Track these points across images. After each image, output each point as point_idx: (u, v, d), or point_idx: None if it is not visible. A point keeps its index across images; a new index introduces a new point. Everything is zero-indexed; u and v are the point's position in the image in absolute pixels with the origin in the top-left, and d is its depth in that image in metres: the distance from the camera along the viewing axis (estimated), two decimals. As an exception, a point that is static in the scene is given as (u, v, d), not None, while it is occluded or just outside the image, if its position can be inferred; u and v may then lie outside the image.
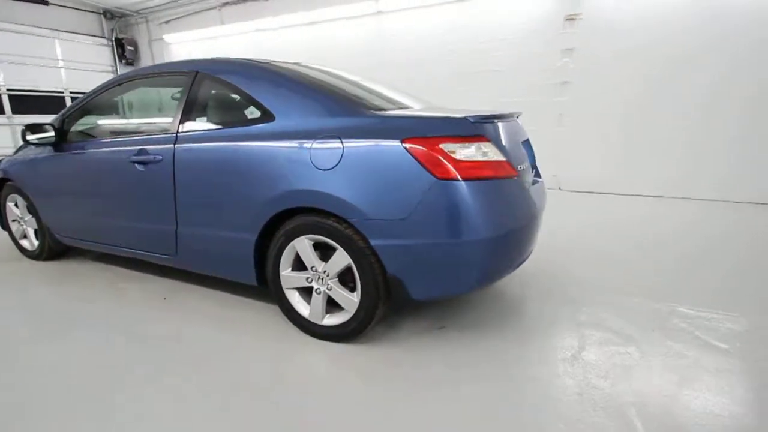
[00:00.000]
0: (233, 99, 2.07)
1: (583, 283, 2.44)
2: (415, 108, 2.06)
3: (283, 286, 1.90)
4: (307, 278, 1.84)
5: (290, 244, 1.82)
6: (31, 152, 2.71)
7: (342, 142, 1.65)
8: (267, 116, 1.85)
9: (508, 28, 5.29)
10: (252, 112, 1.94)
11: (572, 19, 4.92)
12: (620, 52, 4.77)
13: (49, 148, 2.57)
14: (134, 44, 8.17)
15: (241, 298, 2.30)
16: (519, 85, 5.33)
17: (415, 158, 1.54)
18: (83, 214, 2.52)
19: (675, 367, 1.64)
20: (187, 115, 2.08)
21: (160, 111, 2.65)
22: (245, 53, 7.19)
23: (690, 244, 3.23)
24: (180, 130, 2.07)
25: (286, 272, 1.88)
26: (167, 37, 7.88)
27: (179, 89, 2.17)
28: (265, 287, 2.00)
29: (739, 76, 4.35)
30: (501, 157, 1.64)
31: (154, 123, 2.65)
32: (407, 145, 1.55)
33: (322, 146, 1.68)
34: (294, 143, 1.75)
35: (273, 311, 2.12)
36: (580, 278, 2.51)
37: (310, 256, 1.80)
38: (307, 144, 1.72)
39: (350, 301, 1.75)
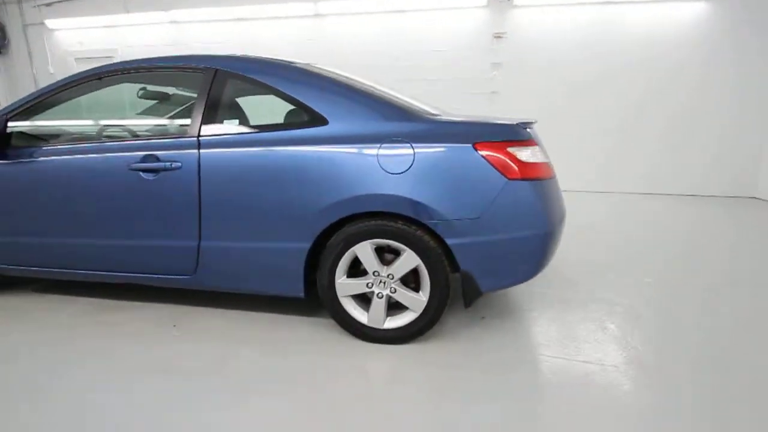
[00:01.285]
0: (270, 101, 1.92)
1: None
2: (454, 114, 2.15)
3: (339, 294, 1.84)
4: (368, 283, 1.82)
5: (350, 250, 1.78)
6: None
7: (413, 147, 1.69)
8: (318, 120, 1.78)
9: (444, 42, 5.72)
10: (292, 116, 1.84)
11: (499, 36, 5.54)
12: (543, 66, 5.52)
13: None
14: (1, 29, 6.64)
15: (260, 313, 2.13)
16: (454, 94, 5.78)
17: (488, 161, 1.66)
18: (46, 235, 2.05)
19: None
20: (209, 116, 1.87)
21: (158, 111, 2.27)
22: (157, 46, 6.43)
23: (613, 228, 3.95)
24: (202, 134, 1.85)
25: (342, 280, 1.83)
26: (50, 23, 6.60)
27: (180, 87, 1.94)
28: (309, 299, 1.91)
29: (655, 88, 5.38)
30: (546, 159, 1.86)
31: (158, 125, 2.26)
32: (482, 151, 1.66)
33: (391, 150, 1.70)
34: (355, 148, 1.72)
35: (302, 323, 2.03)
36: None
37: (372, 261, 1.78)
38: (372, 148, 1.71)
39: (417, 301, 1.79)
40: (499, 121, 1.82)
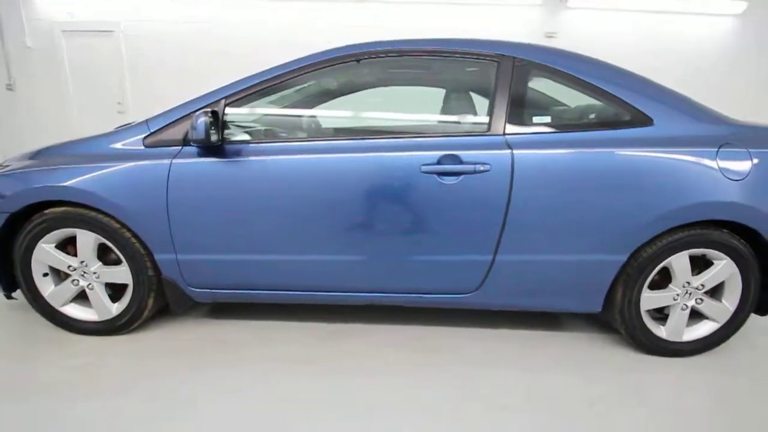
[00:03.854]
0: (579, 96, 1.71)
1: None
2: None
3: (643, 308, 1.72)
4: (675, 296, 1.72)
5: (664, 262, 1.66)
6: (129, 160, 1.63)
7: (749, 151, 1.61)
8: (642, 121, 1.63)
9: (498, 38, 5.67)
10: (603, 115, 1.67)
11: (551, 36, 5.61)
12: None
13: (189, 152, 1.61)
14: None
15: (503, 329, 1.94)
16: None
17: None
18: (283, 252, 1.66)
19: None
20: (515, 112, 1.62)
21: (429, 104, 1.88)
22: (178, 23, 5.64)
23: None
24: (508, 132, 1.61)
25: (646, 293, 1.71)
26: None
27: (458, 76, 1.67)
28: (601, 313, 1.77)
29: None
30: None
31: (441, 120, 1.84)
32: None
33: (731, 155, 1.59)
34: (689, 151, 1.60)
35: (552, 338, 1.90)
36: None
37: (687, 272, 1.68)
38: (709, 153, 1.60)
39: (724, 310, 1.73)
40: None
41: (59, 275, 1.82)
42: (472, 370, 1.67)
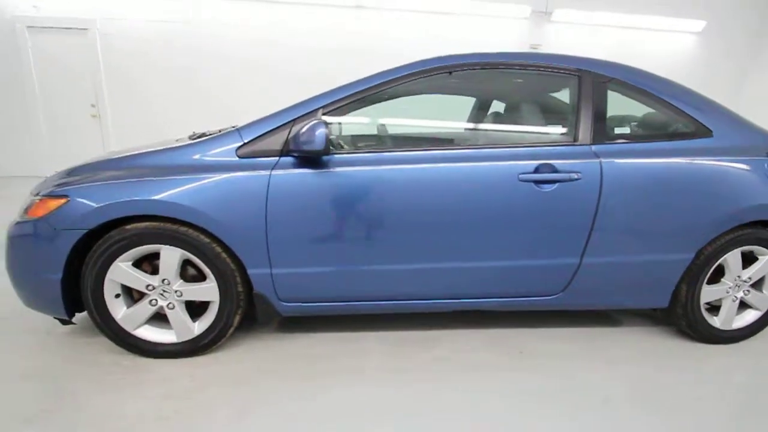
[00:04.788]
0: (647, 109, 1.85)
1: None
2: None
3: (702, 300, 1.90)
4: (728, 288, 1.91)
5: (721, 258, 1.85)
6: (223, 171, 1.56)
7: (789, 158, 1.84)
8: (702, 132, 1.81)
9: (486, 48, 5.91)
10: (671, 126, 1.83)
11: (536, 47, 5.95)
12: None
13: (287, 163, 1.58)
14: None
15: (583, 328, 2.07)
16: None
17: None
18: (380, 262, 1.66)
19: None
20: (597, 123, 1.74)
21: (507, 115, 1.91)
22: (171, 22, 5.33)
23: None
24: (594, 142, 1.72)
25: (705, 287, 1.89)
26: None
27: (538, 88, 1.76)
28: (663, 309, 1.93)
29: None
30: None
31: (527, 130, 1.89)
32: None
33: (774, 162, 1.81)
34: (742, 160, 1.79)
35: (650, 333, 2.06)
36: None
37: (738, 266, 1.88)
38: (759, 161, 1.80)
39: (765, 299, 1.95)
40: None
41: (131, 296, 1.70)
42: (559, 362, 1.77)
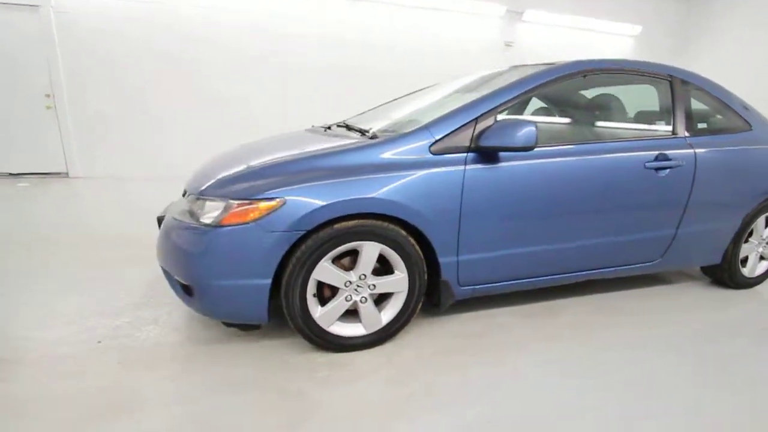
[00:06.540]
0: (711, 108, 2.32)
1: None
2: None
3: (741, 256, 2.47)
4: (755, 246, 2.51)
5: (754, 222, 2.43)
6: (421, 168, 1.66)
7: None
8: (746, 127, 2.34)
9: (470, 44, 6.30)
10: (725, 122, 2.32)
11: (509, 45, 6.49)
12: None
13: (475, 158, 1.74)
14: None
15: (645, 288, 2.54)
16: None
17: None
18: (547, 242, 1.91)
19: None
20: (687, 120, 2.16)
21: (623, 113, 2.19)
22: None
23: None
24: (686, 135, 2.14)
25: (743, 246, 2.46)
26: None
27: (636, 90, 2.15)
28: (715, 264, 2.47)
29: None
30: None
31: (641, 127, 2.24)
32: None
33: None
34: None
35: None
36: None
37: (763, 228, 2.49)
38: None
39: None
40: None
41: (322, 294, 1.70)
42: (656, 316, 2.20)
